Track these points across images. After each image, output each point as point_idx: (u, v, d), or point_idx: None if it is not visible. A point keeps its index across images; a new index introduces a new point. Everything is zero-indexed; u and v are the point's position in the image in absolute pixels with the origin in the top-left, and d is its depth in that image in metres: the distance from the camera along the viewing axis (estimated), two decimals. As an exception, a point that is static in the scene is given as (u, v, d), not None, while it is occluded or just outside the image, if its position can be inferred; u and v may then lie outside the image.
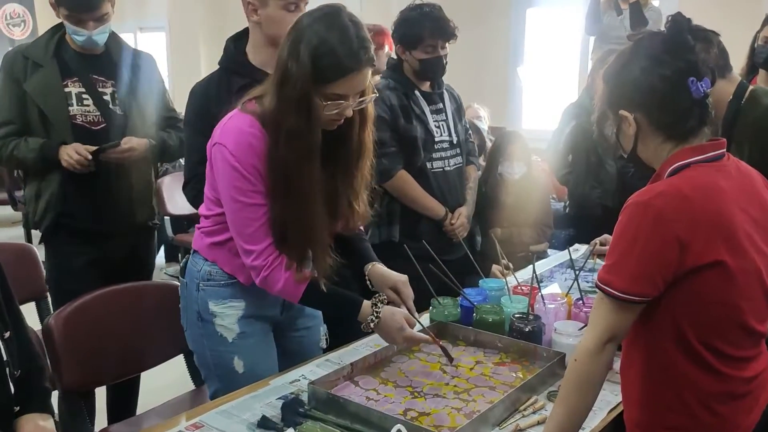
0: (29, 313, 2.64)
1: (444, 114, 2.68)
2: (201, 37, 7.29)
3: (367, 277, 1.81)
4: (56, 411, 1.99)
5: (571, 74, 5.16)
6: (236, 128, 1.61)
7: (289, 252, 1.63)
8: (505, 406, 1.49)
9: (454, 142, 2.68)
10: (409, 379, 1.66)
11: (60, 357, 1.97)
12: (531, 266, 2.50)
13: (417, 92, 2.61)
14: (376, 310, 1.66)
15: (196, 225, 1.83)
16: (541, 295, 1.89)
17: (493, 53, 5.17)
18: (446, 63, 2.62)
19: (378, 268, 1.81)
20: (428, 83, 2.66)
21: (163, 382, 2.52)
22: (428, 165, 2.61)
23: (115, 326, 2.11)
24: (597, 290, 1.27)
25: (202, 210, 1.79)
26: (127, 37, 7.86)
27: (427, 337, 1.71)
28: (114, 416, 2.43)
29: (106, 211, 2.37)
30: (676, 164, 1.28)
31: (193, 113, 2.06)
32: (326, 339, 2.03)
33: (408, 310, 1.74)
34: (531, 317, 1.84)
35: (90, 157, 2.27)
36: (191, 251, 1.84)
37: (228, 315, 1.75)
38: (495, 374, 1.68)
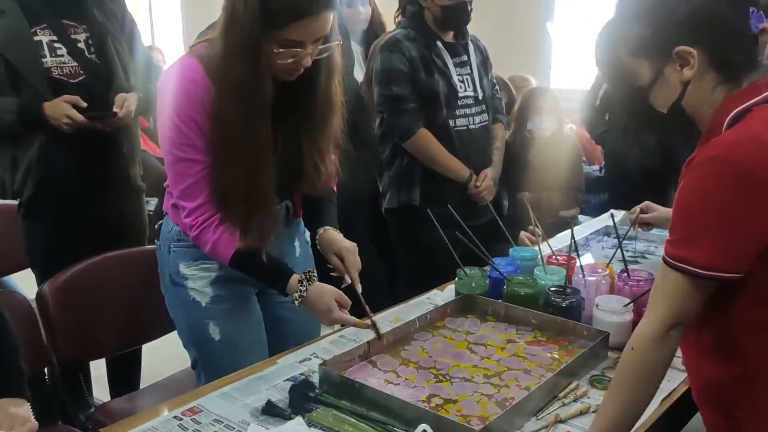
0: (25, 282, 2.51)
1: (468, 67, 2.46)
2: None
3: (317, 241, 1.66)
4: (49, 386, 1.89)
5: (603, 30, 4.86)
6: (177, 72, 1.46)
7: (231, 216, 1.49)
8: (542, 394, 1.31)
9: (480, 97, 2.47)
10: (432, 359, 1.48)
11: (55, 327, 1.84)
12: (563, 234, 2.31)
13: (439, 43, 2.39)
14: (301, 287, 1.49)
15: (165, 184, 1.66)
16: (580, 266, 1.69)
17: (520, 7, 4.88)
18: (471, 10, 2.39)
19: (329, 233, 1.64)
20: (451, 33, 2.44)
21: (170, 353, 2.37)
22: (451, 123, 2.40)
23: (114, 295, 1.97)
24: (665, 266, 1.05)
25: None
26: (137, -5, 7.74)
27: (356, 320, 1.50)
28: (117, 391, 2.29)
29: (94, 172, 2.16)
30: (735, 110, 1.06)
31: None
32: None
33: (351, 280, 1.57)
34: (569, 291, 1.64)
35: (87, 122, 2.05)
36: (164, 213, 1.69)
37: (200, 277, 1.61)
38: (529, 355, 1.49)
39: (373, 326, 1.51)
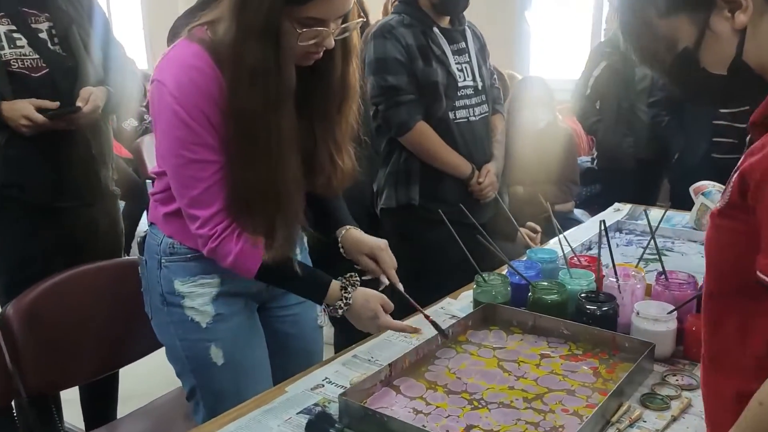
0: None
1: (467, 55, 2.29)
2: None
3: (339, 243, 1.51)
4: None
5: (585, 18, 4.76)
6: (178, 60, 1.27)
7: (252, 223, 1.31)
8: (596, 420, 1.15)
9: (479, 87, 2.30)
10: (462, 382, 1.31)
11: (22, 354, 1.63)
12: (570, 232, 2.17)
13: (436, 29, 2.22)
14: (346, 294, 1.36)
15: (150, 191, 1.46)
16: (614, 268, 1.54)
17: (498, -5, 4.76)
18: (468, -7, 2.23)
19: (352, 233, 1.50)
20: (447, 19, 2.27)
21: (148, 376, 2.16)
22: (451, 115, 2.23)
23: (87, 314, 1.76)
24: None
25: (154, 170, 1.43)
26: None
27: (405, 324, 1.40)
28: (91, 421, 2.06)
29: (61, 177, 1.93)
30: None
31: None
32: (324, 314, 1.69)
33: (389, 279, 1.46)
34: (602, 297, 1.49)
35: (48, 122, 1.83)
36: (148, 223, 1.49)
37: (199, 294, 1.42)
38: (569, 372, 1.34)
39: (435, 325, 1.40)
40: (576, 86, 3.36)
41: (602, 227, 1.65)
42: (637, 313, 1.41)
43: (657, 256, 1.85)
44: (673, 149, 3.12)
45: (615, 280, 1.52)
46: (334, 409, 1.22)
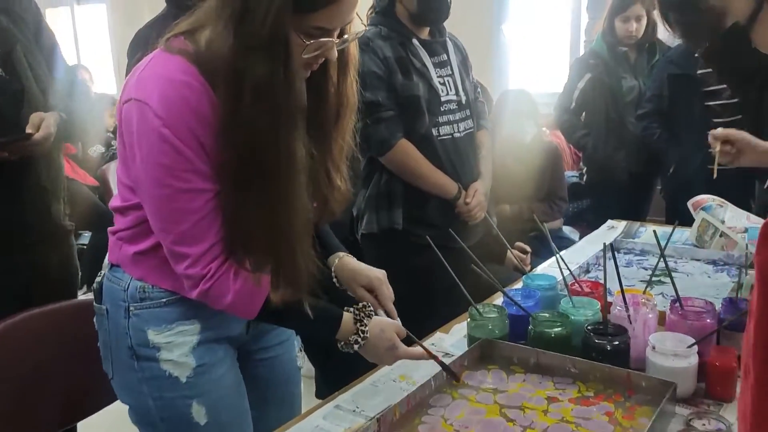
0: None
1: (449, 67, 2.16)
2: (147, 8, 6.56)
3: (333, 273, 1.38)
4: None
5: (562, 31, 4.67)
6: (162, 76, 1.10)
7: (254, 259, 1.15)
8: (620, 479, 1.00)
9: (463, 101, 2.17)
10: (462, 435, 1.15)
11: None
12: (567, 251, 2.03)
13: (415, 41, 2.08)
14: (362, 327, 1.23)
15: (109, 229, 1.29)
16: (623, 295, 1.39)
17: (473, 9, 4.65)
18: (450, 2, 2.10)
19: (347, 262, 1.38)
20: (427, 30, 2.14)
21: (111, 429, 1.97)
22: (434, 131, 2.10)
23: (39, 364, 1.56)
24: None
25: (116, 203, 1.26)
26: (62, 11, 7.24)
27: (423, 351, 1.28)
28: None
29: (6, 211, 1.74)
30: None
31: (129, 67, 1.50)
32: (302, 353, 1.55)
33: (387, 313, 1.35)
34: (611, 329, 1.34)
35: None
36: (107, 266, 1.31)
37: (178, 344, 1.24)
38: (582, 419, 1.18)
39: (444, 367, 1.26)
40: (559, 99, 3.25)
41: (607, 250, 1.50)
42: (653, 348, 1.26)
43: (660, 278, 1.73)
44: (667, 162, 3.01)
45: (624, 308, 1.37)
46: (315, 475, 1.06)
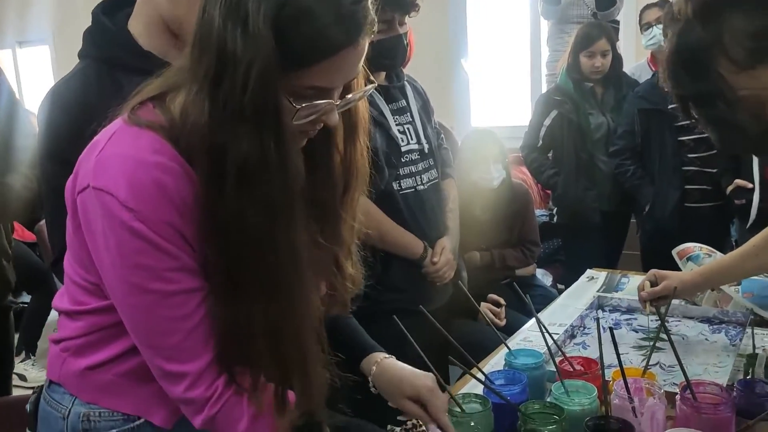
0: None
1: (408, 114, 1.98)
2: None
3: (370, 381, 1.18)
4: None
5: (522, 64, 4.58)
6: (129, 157, 0.87)
7: (253, 379, 0.93)
8: None
9: (426, 150, 1.98)
10: None
11: None
12: (550, 311, 1.85)
13: (371, 87, 1.89)
14: None
15: (51, 337, 1.05)
16: (625, 382, 1.20)
17: (432, 45, 4.52)
18: (407, 44, 1.93)
19: (388, 366, 1.19)
20: (383, 74, 1.96)
21: None
22: (395, 185, 1.90)
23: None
24: None
25: (63, 304, 1.02)
26: (4, 54, 6.94)
27: None
28: None
29: None
30: None
31: (56, 137, 1.24)
32: None
33: (442, 427, 1.15)
34: (614, 424, 1.14)
35: None
36: (45, 383, 1.06)
37: None
38: None
39: None
40: (525, 137, 3.11)
41: (600, 326, 1.31)
42: (666, 450, 1.07)
43: (650, 349, 1.54)
44: (642, 201, 2.89)
45: (627, 398, 1.18)
46: None
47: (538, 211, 3.52)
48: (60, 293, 1.03)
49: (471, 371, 1.28)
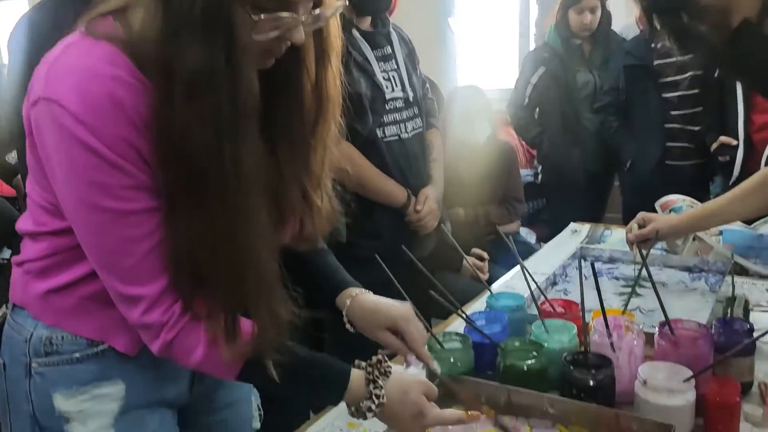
0: None
1: (394, 62, 1.95)
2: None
3: (345, 315, 1.12)
4: None
5: (511, 24, 4.52)
6: (83, 69, 0.83)
7: (208, 304, 0.90)
8: None
9: (410, 99, 1.96)
10: (424, 508, 0.93)
11: None
12: (532, 259, 1.85)
13: (355, 32, 1.86)
14: (376, 391, 0.96)
15: (14, 259, 1.02)
16: (605, 320, 1.20)
17: (418, 1, 4.46)
18: (394, -11, 1.89)
19: (363, 300, 1.12)
20: (368, 20, 1.92)
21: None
22: (379, 132, 1.88)
23: None
24: None
25: (25, 225, 0.99)
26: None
27: (461, 414, 1.02)
28: None
29: None
30: None
31: (30, 65, 1.20)
32: (260, 414, 1.29)
33: (422, 360, 1.10)
34: (593, 359, 1.15)
35: None
36: (8, 307, 1.04)
37: (95, 414, 0.98)
38: (567, 476, 0.98)
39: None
40: (512, 96, 3.08)
41: (581, 263, 1.31)
42: (644, 382, 1.07)
43: (635, 290, 1.55)
44: (623, 157, 2.89)
45: (605, 334, 1.18)
46: None
47: (522, 171, 3.52)
48: (24, 215, 1.00)
49: (453, 311, 1.28)
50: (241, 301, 0.90)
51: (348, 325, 1.13)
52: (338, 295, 1.12)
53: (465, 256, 1.60)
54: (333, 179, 1.08)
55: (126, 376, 1.00)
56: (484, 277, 2.44)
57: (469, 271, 2.45)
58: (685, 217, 1.62)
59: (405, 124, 1.94)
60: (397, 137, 1.91)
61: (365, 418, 0.97)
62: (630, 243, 1.64)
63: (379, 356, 0.99)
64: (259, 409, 1.29)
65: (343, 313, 1.12)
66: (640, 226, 1.64)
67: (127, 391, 1.00)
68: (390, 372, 0.98)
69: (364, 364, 0.99)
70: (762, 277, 1.68)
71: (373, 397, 0.95)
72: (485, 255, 2.48)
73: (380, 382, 0.96)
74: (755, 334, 1.17)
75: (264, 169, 0.89)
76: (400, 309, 1.10)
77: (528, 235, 3.14)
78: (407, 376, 1.01)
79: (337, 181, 1.11)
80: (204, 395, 1.15)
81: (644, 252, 1.56)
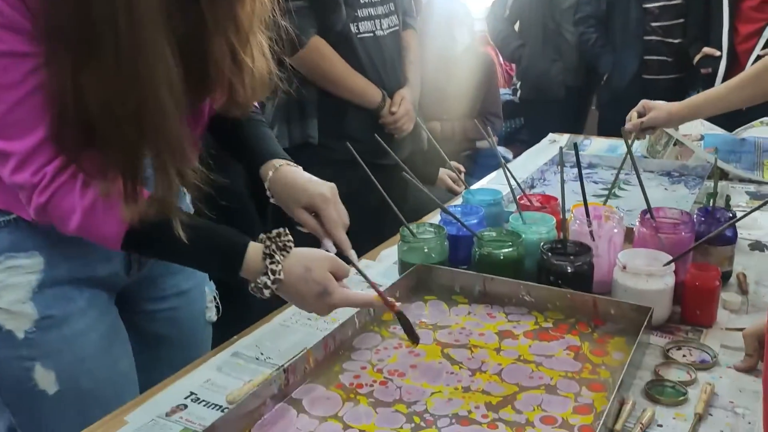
0: None
1: (368, -50, 1.83)
2: None
3: (267, 187, 1.04)
4: None
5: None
6: None
7: (98, 160, 0.82)
8: (599, 434, 0.77)
9: (386, -7, 1.85)
10: (395, 385, 0.90)
11: None
12: (504, 163, 1.80)
13: None
14: (272, 266, 0.88)
15: None
16: (585, 206, 1.16)
17: None
18: None
19: (285, 172, 1.02)
20: None
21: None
22: (353, 28, 1.78)
23: None
24: None
25: None
26: None
27: (370, 296, 0.94)
28: None
29: None
30: None
31: None
32: (217, 306, 1.24)
33: (337, 245, 1.00)
34: (572, 247, 1.11)
35: None
36: None
37: (10, 287, 0.93)
38: (542, 357, 0.95)
39: (405, 325, 0.93)
40: (491, 7, 2.98)
41: (562, 154, 1.26)
42: (623, 267, 1.04)
43: (615, 192, 1.52)
44: (601, 69, 2.82)
45: (585, 222, 1.14)
46: (201, 448, 0.79)
47: (501, 90, 3.44)
48: None
49: (430, 200, 1.23)
50: (139, 162, 0.82)
51: (271, 198, 1.05)
52: (262, 165, 1.04)
53: (447, 159, 1.54)
54: (270, 39, 0.97)
55: (44, 249, 0.94)
56: (460, 190, 2.40)
57: (444, 183, 2.40)
58: (685, 105, 1.60)
59: (380, 21, 1.84)
60: (371, 34, 1.82)
61: (264, 295, 0.89)
62: (627, 132, 1.60)
63: (279, 230, 0.91)
64: (216, 302, 1.23)
65: (266, 185, 1.04)
66: (641, 114, 1.62)
67: (46, 264, 0.94)
68: (290, 247, 0.90)
69: (263, 237, 0.91)
70: (742, 180, 1.65)
71: (269, 272, 0.87)
72: (462, 167, 2.43)
73: (277, 257, 0.88)
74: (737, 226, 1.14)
75: (164, 10, 0.78)
76: (321, 187, 1.00)
77: (506, 152, 3.09)
78: (312, 252, 0.92)
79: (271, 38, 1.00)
80: (148, 280, 1.11)
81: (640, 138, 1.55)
